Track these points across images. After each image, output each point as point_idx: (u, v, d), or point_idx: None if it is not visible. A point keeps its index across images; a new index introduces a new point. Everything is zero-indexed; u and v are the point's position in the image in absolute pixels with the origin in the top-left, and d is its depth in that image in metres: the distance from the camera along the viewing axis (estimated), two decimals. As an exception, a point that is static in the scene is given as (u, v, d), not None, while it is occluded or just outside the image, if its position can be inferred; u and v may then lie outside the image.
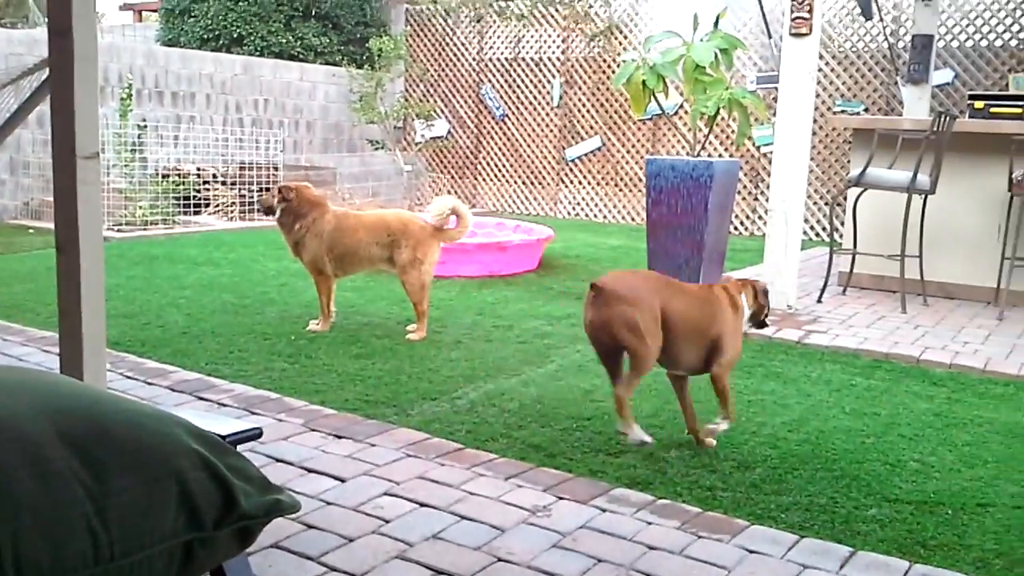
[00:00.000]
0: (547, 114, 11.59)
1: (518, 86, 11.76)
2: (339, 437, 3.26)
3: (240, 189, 9.45)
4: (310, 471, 2.96)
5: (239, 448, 1.67)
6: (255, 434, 1.69)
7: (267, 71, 11.19)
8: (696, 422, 3.33)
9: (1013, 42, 8.94)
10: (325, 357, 4.34)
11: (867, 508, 2.79)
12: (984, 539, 2.60)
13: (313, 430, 3.33)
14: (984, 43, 9.08)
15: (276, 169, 9.65)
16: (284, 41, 11.83)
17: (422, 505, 2.71)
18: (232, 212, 9.35)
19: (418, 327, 4.77)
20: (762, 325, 3.51)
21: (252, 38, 11.74)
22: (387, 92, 11.62)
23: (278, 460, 3.04)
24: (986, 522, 2.72)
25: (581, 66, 11.27)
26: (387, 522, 2.59)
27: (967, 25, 9.15)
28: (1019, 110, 6.13)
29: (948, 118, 5.77)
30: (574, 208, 11.57)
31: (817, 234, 9.90)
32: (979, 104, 6.52)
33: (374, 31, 12.21)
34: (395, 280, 4.98)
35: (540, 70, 11.59)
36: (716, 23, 5.52)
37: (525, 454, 3.17)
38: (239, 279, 6.25)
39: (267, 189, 4.92)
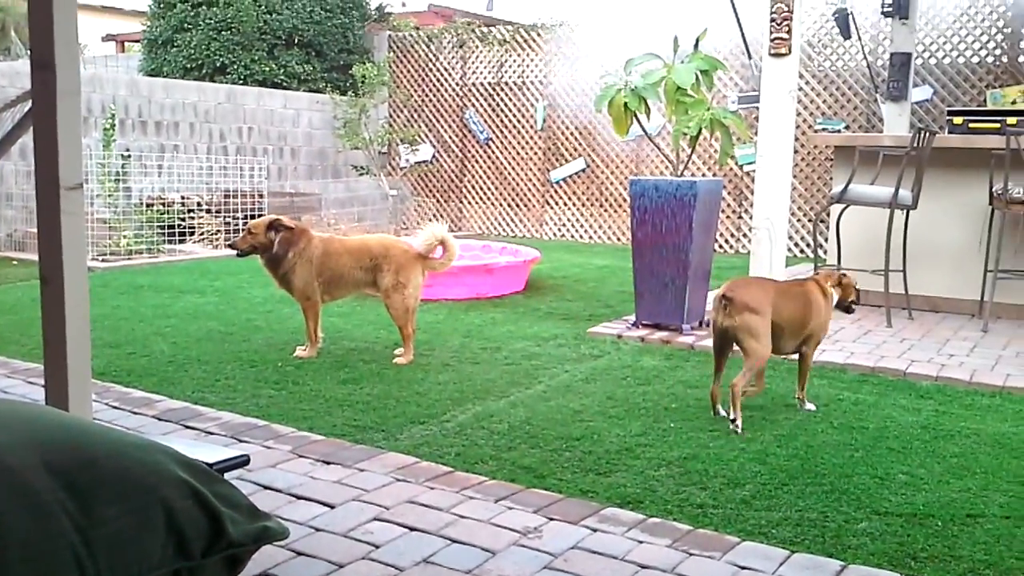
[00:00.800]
0: (531, 137, 11.65)
1: (502, 110, 11.82)
2: (328, 463, 3.25)
3: (225, 217, 9.45)
4: (299, 498, 2.94)
5: (227, 476, 1.66)
6: (242, 461, 1.69)
7: (251, 99, 11.22)
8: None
9: (989, 58, 9.06)
10: (312, 383, 4.32)
11: (857, 522, 2.79)
12: (974, 550, 2.61)
13: (301, 456, 3.32)
14: (961, 60, 9.20)
15: (261, 196, 9.66)
16: (267, 69, 11.87)
17: (412, 529, 2.70)
18: (217, 240, 9.34)
19: (405, 351, 4.77)
20: (848, 310, 4.16)
21: (235, 67, 11.78)
22: (371, 118, 11.66)
23: (266, 487, 3.02)
24: (976, 533, 2.72)
25: (564, 89, 11.34)
26: (377, 547, 2.58)
27: (944, 43, 9.27)
28: (997, 125, 6.18)
29: (928, 134, 5.83)
30: (560, 229, 11.61)
31: (802, 251, 9.95)
32: (958, 120, 6.59)
33: (357, 58, 12.28)
34: (382, 305, 4.98)
35: (523, 94, 11.66)
36: (696, 44, 5.56)
37: (515, 476, 3.16)
38: (225, 307, 6.23)
39: (249, 232, 4.83)
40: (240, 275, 7.53)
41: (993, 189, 5.85)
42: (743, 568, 2.47)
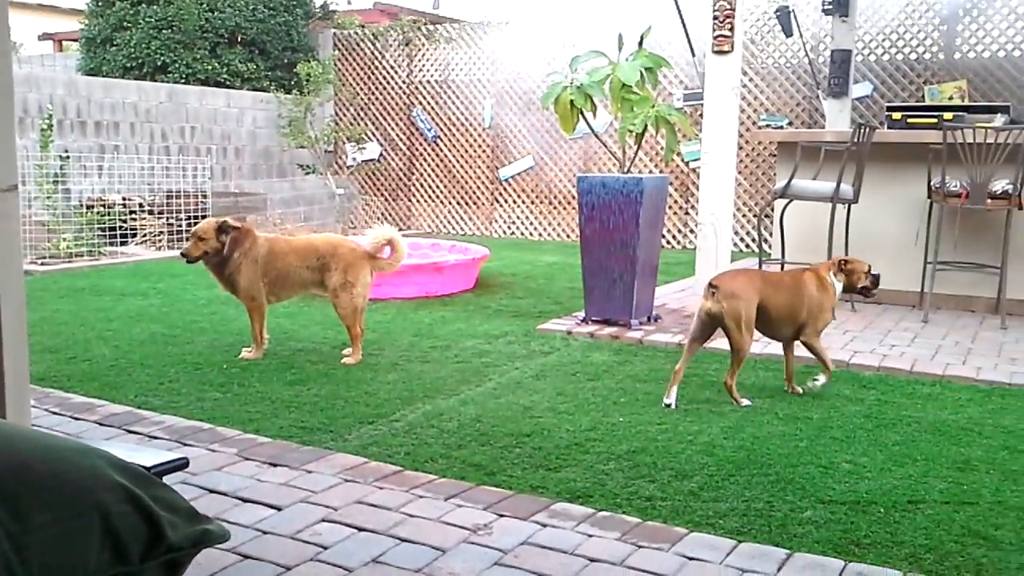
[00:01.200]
0: (479, 135, 11.64)
1: (449, 108, 11.79)
2: (274, 465, 3.21)
3: (168, 218, 9.29)
4: (245, 500, 2.90)
5: (166, 479, 1.63)
6: (181, 464, 1.66)
7: (193, 98, 11.04)
8: (793, 377, 4.24)
9: (927, 55, 9.26)
10: (259, 384, 4.27)
11: (803, 510, 2.83)
12: (915, 535, 2.66)
13: (247, 459, 3.27)
14: (900, 57, 9.39)
15: (204, 196, 9.51)
16: (210, 68, 11.69)
17: (361, 530, 2.67)
18: (160, 241, 9.18)
19: (353, 351, 4.73)
20: (866, 294, 4.29)
21: (177, 66, 11.58)
22: (317, 116, 11.56)
23: (212, 491, 2.97)
24: (917, 518, 2.78)
25: (511, 86, 11.35)
26: (325, 548, 2.55)
27: (883, 40, 9.45)
28: (934, 120, 6.32)
29: (868, 129, 5.95)
30: (509, 227, 11.62)
31: (747, 245, 10.08)
32: (897, 115, 6.72)
33: (302, 56, 12.15)
34: (329, 305, 4.93)
35: (471, 92, 11.64)
36: (640, 42, 5.60)
37: (465, 473, 3.15)
38: (168, 309, 6.12)
39: (199, 237, 4.68)
40: (184, 277, 7.41)
41: (931, 183, 5.99)
42: (691, 559, 2.49)
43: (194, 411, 3.86)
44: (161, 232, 9.22)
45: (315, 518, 2.76)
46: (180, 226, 9.22)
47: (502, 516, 2.77)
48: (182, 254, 4.78)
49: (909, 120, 6.53)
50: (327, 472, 3.13)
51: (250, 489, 2.99)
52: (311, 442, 3.47)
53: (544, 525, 2.70)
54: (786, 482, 3.07)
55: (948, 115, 6.32)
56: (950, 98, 8.97)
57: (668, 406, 3.93)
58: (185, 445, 3.41)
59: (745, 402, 3.99)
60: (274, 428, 3.63)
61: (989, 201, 5.71)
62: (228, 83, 11.78)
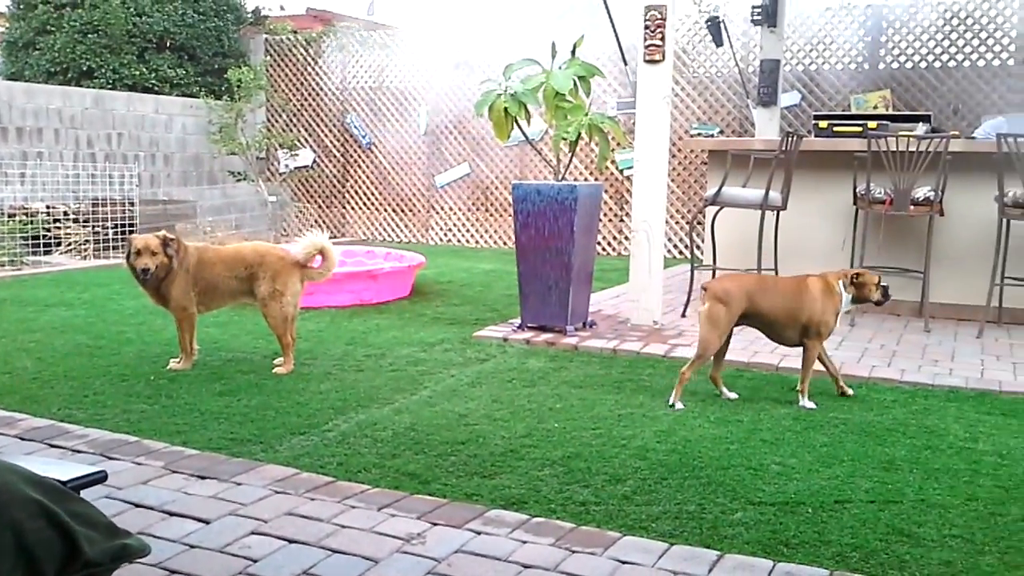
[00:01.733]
0: (415, 142, 11.60)
1: (384, 114, 11.73)
2: (203, 478, 3.14)
3: (94, 226, 9.05)
4: (172, 514, 2.83)
5: (86, 493, 1.58)
6: (99, 477, 1.61)
7: (120, 104, 10.79)
8: (840, 379, 4.30)
9: (852, 65, 9.51)
10: (187, 396, 4.17)
11: (733, 512, 2.87)
12: (842, 534, 2.72)
13: (175, 472, 3.20)
14: (826, 67, 9.63)
15: (132, 204, 9.29)
16: (137, 73, 11.44)
17: (291, 542, 2.63)
18: (86, 250, 8.94)
19: (285, 360, 4.66)
20: (878, 304, 4.30)
21: (103, 71, 11.30)
22: (248, 123, 11.38)
23: (137, 505, 2.90)
24: (843, 518, 2.84)
25: (446, 94, 11.33)
26: (255, 562, 2.50)
27: (810, 50, 9.68)
28: (859, 129, 6.49)
29: (795, 138, 6.08)
30: (446, 234, 11.59)
31: (681, 252, 10.22)
32: (823, 124, 6.88)
33: (232, 62, 11.97)
34: (261, 314, 4.84)
35: (406, 98, 11.60)
36: (573, 51, 5.64)
37: (399, 483, 3.12)
38: (94, 319, 5.96)
39: (151, 252, 4.47)
40: (110, 286, 7.23)
41: (857, 190, 6.13)
42: (624, 563, 2.50)
43: (119, 424, 3.75)
44: (87, 241, 8.98)
45: (244, 531, 2.71)
46: (107, 235, 8.99)
47: (436, 525, 2.75)
48: (143, 270, 4.47)
49: (835, 129, 6.69)
50: (257, 484, 3.07)
51: (177, 503, 2.92)
52: (241, 454, 3.40)
53: (478, 532, 2.69)
54: (717, 484, 3.11)
55: (872, 124, 6.49)
56: (875, 107, 9.23)
57: (671, 405, 4.07)
58: (109, 459, 3.31)
59: (679, 406, 4.05)
60: (203, 440, 3.56)
61: (912, 207, 5.88)
62: (157, 89, 11.54)
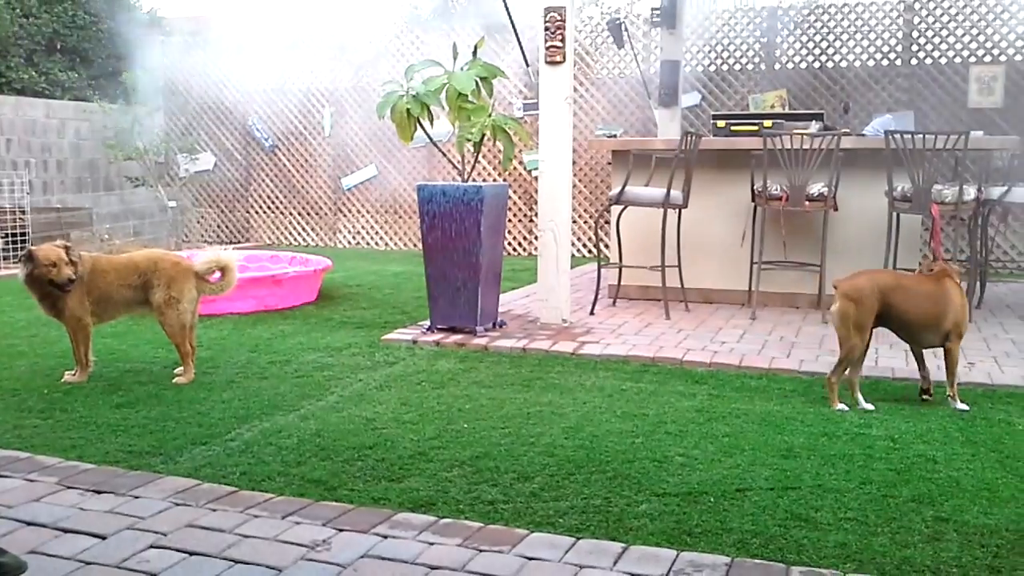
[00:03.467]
0: (320, 144, 11.45)
1: (287, 117, 11.54)
2: (99, 492, 3.03)
3: (-18, 236, 8.66)
4: (66, 531, 2.72)
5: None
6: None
7: (8, 109, 10.34)
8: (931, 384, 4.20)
9: (749, 66, 9.77)
10: (83, 409, 4.02)
11: (638, 504, 2.91)
12: (743, 521, 2.78)
13: (69, 488, 3.08)
14: (725, 67, 9.87)
15: (23, 212, 8.92)
16: (26, 77, 11.00)
17: (192, 554, 2.56)
18: (-26, 261, 8.55)
19: (184, 370, 4.53)
20: None
21: (-11, 73, 10.84)
22: (145, 127, 11.04)
23: (29, 523, 2.78)
24: (744, 506, 2.91)
25: (350, 95, 11.22)
26: (154, 575, 2.43)
27: (709, 51, 9.91)
28: (755, 128, 6.68)
29: (694, 137, 6.21)
30: (354, 237, 11.47)
31: (589, 251, 10.34)
32: (721, 123, 7.05)
33: (127, 64, 11.60)
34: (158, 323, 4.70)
35: (309, 100, 11.44)
36: (475, 52, 5.65)
37: (304, 490, 3.07)
38: (-18, 333, 5.70)
39: (67, 263, 4.31)
40: (1, 298, 6.92)
41: (754, 187, 6.30)
42: (531, 559, 2.51)
43: (10, 440, 3.60)
44: (-26, 251, 8.58)
45: (143, 545, 2.62)
46: (-4, 244, 8.62)
47: (342, 531, 2.71)
48: (69, 279, 4.32)
49: (733, 128, 6.86)
50: (156, 497, 2.98)
51: (72, 519, 2.81)
52: (139, 466, 3.29)
53: (385, 537, 2.67)
54: (623, 477, 3.15)
55: (768, 123, 6.68)
56: (772, 106, 9.51)
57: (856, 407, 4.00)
58: (0, 476, 3.18)
59: (841, 406, 3.98)
60: (99, 454, 3.43)
61: (807, 203, 6.07)
62: (47, 93, 11.11)
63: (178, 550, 2.59)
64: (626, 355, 4.98)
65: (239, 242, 11.76)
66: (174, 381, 4.48)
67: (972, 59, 8.94)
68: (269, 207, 11.82)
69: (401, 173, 11.12)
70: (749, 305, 6.37)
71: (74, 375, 4.52)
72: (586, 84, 10.27)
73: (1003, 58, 8.84)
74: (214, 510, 2.87)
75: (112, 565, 2.50)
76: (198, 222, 11.88)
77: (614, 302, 6.67)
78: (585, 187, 10.34)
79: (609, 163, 9.85)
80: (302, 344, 5.38)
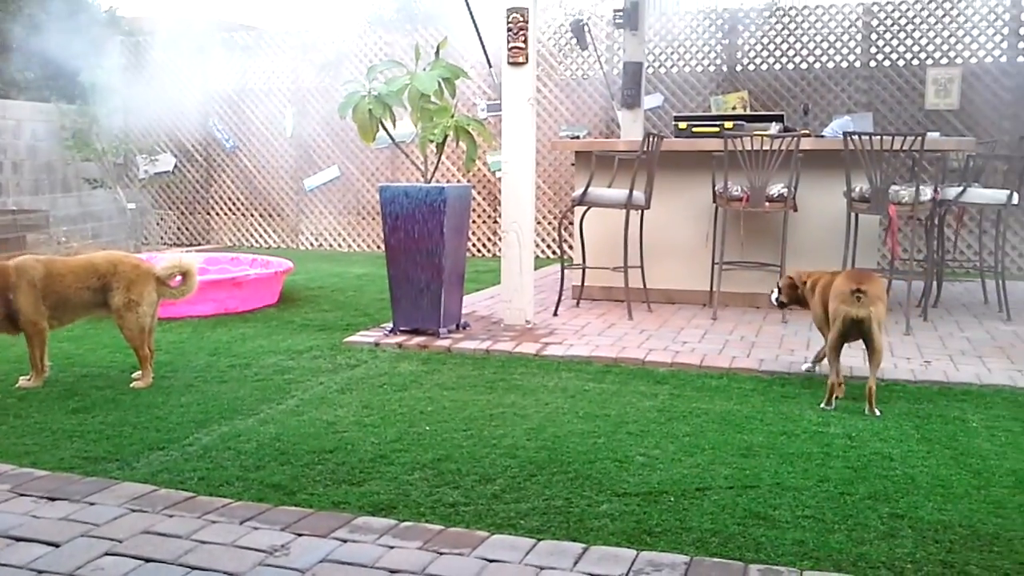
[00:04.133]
0: (281, 145, 11.35)
1: (248, 117, 11.44)
2: (53, 499, 2.98)
3: (-65, 239, 8.48)
4: (18, 539, 2.67)
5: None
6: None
7: (-38, 109, 10.14)
8: None
9: (711, 68, 9.84)
10: (37, 415, 3.95)
11: (599, 504, 2.92)
12: (702, 520, 2.80)
13: (22, 495, 3.02)
14: (687, 69, 9.93)
15: (-22, 215, 8.75)
16: (-19, 76, 10.80)
17: (148, 560, 2.52)
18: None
19: (143, 374, 4.47)
20: None
21: (-59, 72, 10.62)
22: (104, 128, 10.88)
23: (-21, 533, 2.73)
24: (704, 504, 2.93)
25: (313, 96, 11.15)
26: (108, 584, 2.39)
27: (671, 53, 9.96)
28: (716, 129, 6.72)
29: (656, 138, 6.24)
30: (316, 239, 11.39)
31: (554, 252, 10.35)
32: (683, 125, 7.08)
33: (86, 64, 11.41)
34: (116, 326, 4.62)
35: (271, 100, 11.34)
36: (437, 53, 5.63)
37: (263, 495, 3.04)
38: (-66, 338, 5.58)
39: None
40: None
41: (715, 188, 6.35)
42: (492, 561, 2.51)
43: (-39, 447, 3.53)
44: (-74, 254, 8.40)
45: (98, 552, 2.58)
46: (-51, 247, 8.43)
47: (301, 535, 2.69)
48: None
49: (694, 129, 6.90)
50: (111, 503, 2.94)
51: (24, 527, 2.76)
52: (95, 472, 3.24)
53: (345, 541, 2.65)
54: (585, 478, 3.16)
55: (728, 124, 6.73)
56: (733, 108, 9.58)
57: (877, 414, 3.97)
58: (-52, 485, 3.11)
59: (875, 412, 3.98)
60: (54, 460, 3.38)
61: (767, 204, 6.12)
62: (2, 93, 10.90)
63: (134, 557, 2.55)
64: (589, 356, 5.00)
65: (200, 244, 11.63)
66: (132, 385, 4.42)
67: (929, 61, 9.08)
68: (230, 209, 11.71)
69: (364, 174, 11.06)
70: (711, 305, 6.41)
71: (29, 380, 4.44)
72: (549, 85, 10.29)
73: (959, 60, 8.98)
74: (171, 516, 2.84)
75: (66, 573, 2.46)
76: (158, 224, 11.73)
77: (578, 303, 6.69)
78: (549, 188, 10.36)
79: (573, 164, 9.88)
80: (263, 347, 5.33)
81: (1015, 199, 6.33)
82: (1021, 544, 2.66)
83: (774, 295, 4.76)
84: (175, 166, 11.74)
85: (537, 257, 8.42)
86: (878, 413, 3.97)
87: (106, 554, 2.58)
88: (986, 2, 8.86)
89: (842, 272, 4.34)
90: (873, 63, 9.27)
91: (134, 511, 2.88)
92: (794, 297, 4.63)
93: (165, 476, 3.20)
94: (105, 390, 4.37)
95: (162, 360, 4.86)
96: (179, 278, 4.62)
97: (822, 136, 6.67)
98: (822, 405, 4.10)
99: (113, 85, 10.68)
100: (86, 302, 4.45)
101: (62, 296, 4.41)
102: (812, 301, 4.46)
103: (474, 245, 10.66)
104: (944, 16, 9.01)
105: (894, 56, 9.20)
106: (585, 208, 6.42)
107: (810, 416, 3.93)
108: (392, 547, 2.60)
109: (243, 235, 11.67)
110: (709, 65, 9.86)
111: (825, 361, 4.32)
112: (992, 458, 3.40)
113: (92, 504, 2.93)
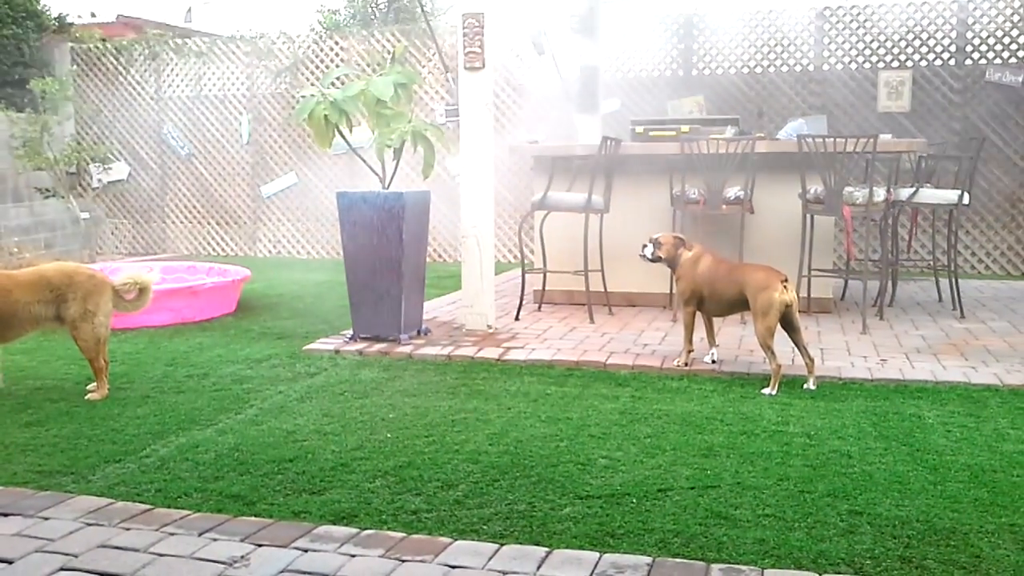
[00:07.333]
0: (237, 152, 11.24)
1: (203, 124, 11.30)
2: (5, 515, 2.91)
3: None
4: (-31, 558, 2.61)
5: None
6: None
7: (-94, 117, 9.90)
8: None
9: (667, 72, 9.91)
10: (-12, 429, 3.87)
11: (562, 508, 2.92)
12: (664, 521, 2.81)
13: (-27, 512, 2.95)
14: (644, 74, 9.99)
15: (-76, 226, 8.55)
16: (-74, 84, 10.55)
17: (104, 575, 2.47)
18: None
19: (98, 385, 4.38)
20: None
21: None
22: (55, 136, 10.69)
23: (-72, 552, 2.65)
24: (666, 505, 2.94)
25: (269, 102, 11.05)
26: (62, 601, 2.34)
27: (628, 58, 10.02)
28: (673, 133, 6.77)
29: (613, 143, 6.27)
30: (275, 246, 11.29)
31: (515, 256, 10.34)
32: (640, 129, 7.13)
33: (35, 72, 11.22)
34: (71, 338, 4.53)
35: (226, 107, 11.22)
36: (393, 58, 5.62)
37: (222, 505, 3.00)
38: None
39: None
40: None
41: (673, 191, 6.40)
42: (454, 567, 2.49)
43: (-92, 464, 3.43)
44: None
45: (52, 568, 2.53)
46: None
47: (261, 546, 2.65)
48: None
49: (651, 133, 6.94)
50: (67, 517, 2.88)
51: (-25, 545, 2.70)
52: (49, 486, 3.18)
53: (305, 550, 2.62)
54: (547, 482, 3.16)
55: (685, 128, 6.79)
56: (690, 112, 9.66)
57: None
58: None
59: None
60: (6, 475, 3.30)
61: (724, 206, 6.18)
62: (-51, 101, 10.68)
63: (90, 572, 2.50)
64: (551, 360, 5.00)
65: (155, 253, 11.47)
66: (87, 397, 4.33)
67: (881, 64, 9.23)
68: (186, 217, 11.56)
69: (322, 181, 10.98)
70: (671, 307, 6.45)
71: (-21, 394, 4.34)
72: (508, 89, 10.29)
73: (909, 64, 9.15)
74: (128, 529, 2.78)
75: (18, 591, 2.40)
76: (112, 233, 11.54)
77: (539, 307, 6.69)
78: (509, 192, 10.36)
79: (532, 168, 9.89)
80: (220, 356, 5.27)
81: (966, 199, 6.45)
82: (976, 537, 2.70)
83: (648, 249, 4.98)
84: (129, 174, 11.57)
85: (498, 261, 8.40)
86: (813, 388, 4.37)
87: (61, 569, 2.52)
88: (934, 7, 9.04)
89: (749, 264, 4.93)
90: (826, 67, 9.41)
91: (90, 525, 2.82)
92: (673, 257, 4.91)
93: (122, 489, 3.14)
94: (59, 402, 4.28)
95: (118, 371, 4.78)
96: (135, 292, 4.55)
97: (777, 139, 6.74)
98: (768, 391, 4.33)
99: (64, 92, 10.49)
100: (37, 316, 4.30)
101: (10, 312, 4.26)
102: (695, 273, 4.79)
103: (435, 250, 10.63)
104: (894, 20, 9.16)
105: (846, 60, 9.34)
106: (545, 212, 6.43)
107: (769, 415, 3.97)
108: (354, 555, 2.58)
109: (200, 243, 11.53)
110: (666, 70, 9.93)
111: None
112: (948, 454, 3.46)
113: (46, 519, 2.87)
